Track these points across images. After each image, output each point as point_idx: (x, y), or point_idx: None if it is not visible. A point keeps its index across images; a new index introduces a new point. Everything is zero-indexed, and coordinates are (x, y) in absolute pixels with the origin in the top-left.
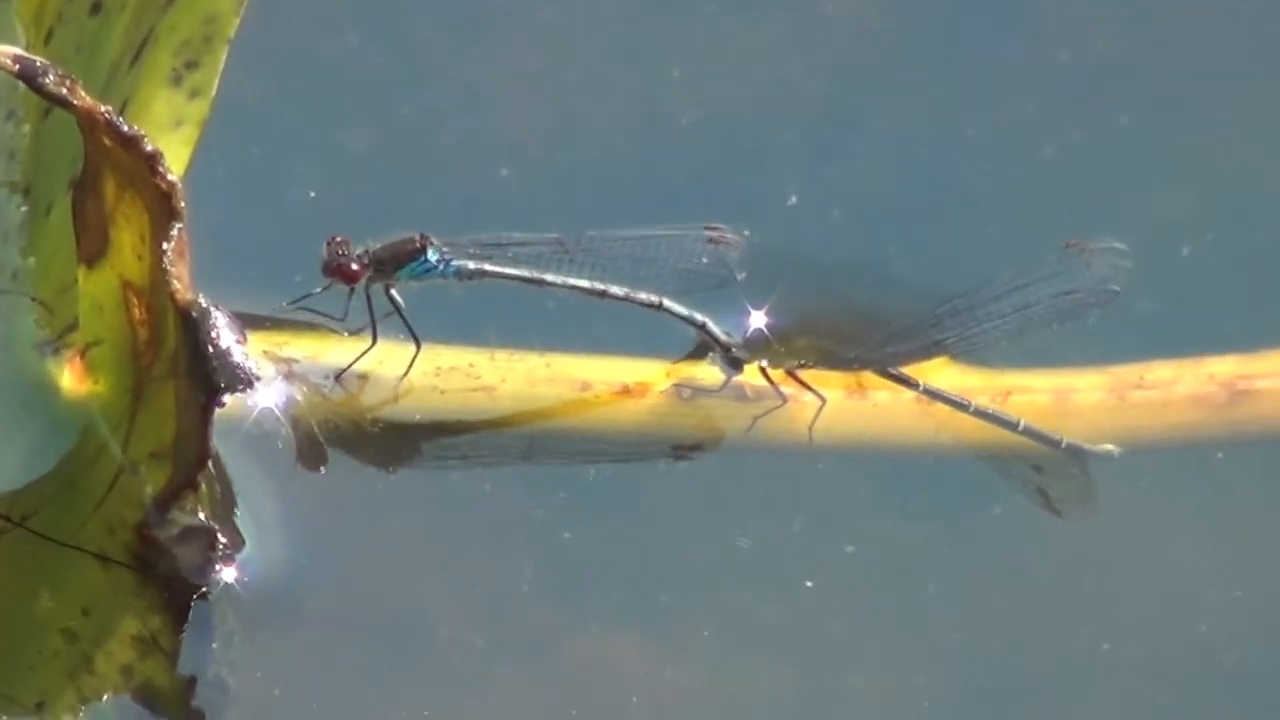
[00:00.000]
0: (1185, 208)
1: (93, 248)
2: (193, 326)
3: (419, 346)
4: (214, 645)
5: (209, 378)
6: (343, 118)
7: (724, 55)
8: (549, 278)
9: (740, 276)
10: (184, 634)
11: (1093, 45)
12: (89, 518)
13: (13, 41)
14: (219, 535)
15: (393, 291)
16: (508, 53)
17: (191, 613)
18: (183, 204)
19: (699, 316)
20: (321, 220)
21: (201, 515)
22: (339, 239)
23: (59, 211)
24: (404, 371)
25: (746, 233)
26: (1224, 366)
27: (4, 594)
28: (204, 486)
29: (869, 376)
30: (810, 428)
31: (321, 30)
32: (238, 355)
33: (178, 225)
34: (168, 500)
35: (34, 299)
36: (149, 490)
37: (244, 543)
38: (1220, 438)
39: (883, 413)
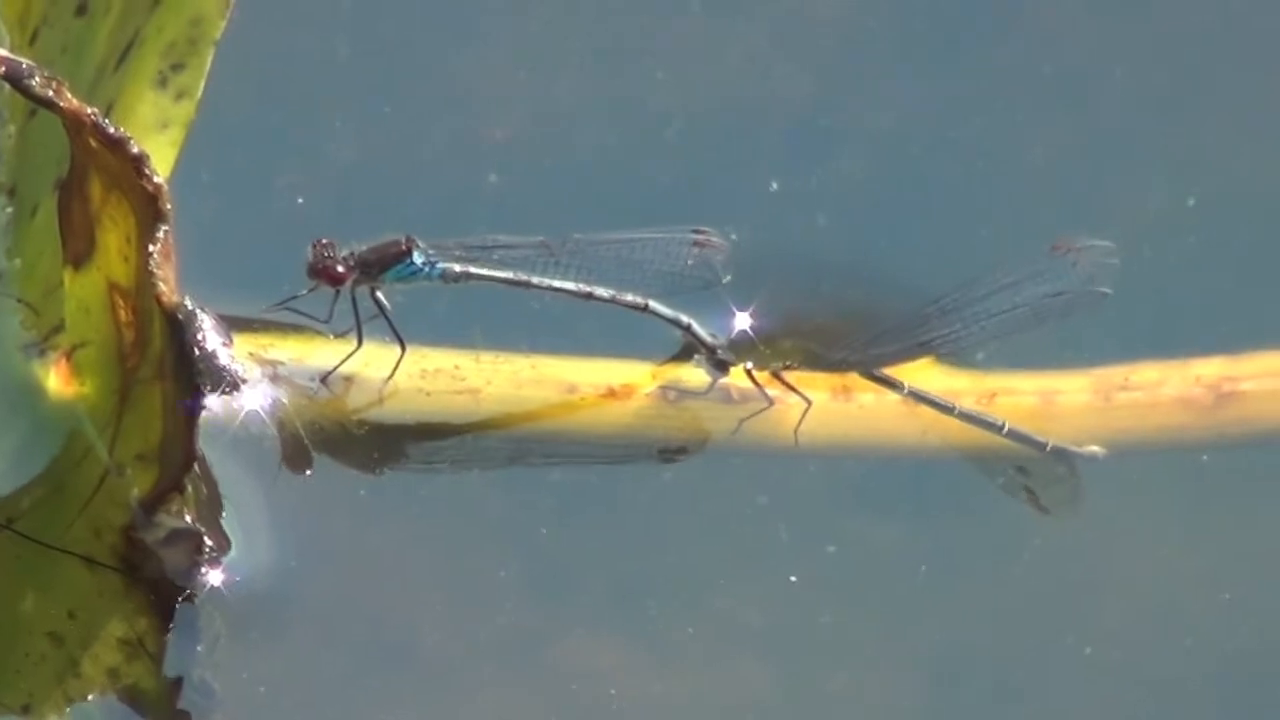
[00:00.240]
0: (1170, 209)
1: (79, 249)
2: (179, 329)
3: (404, 349)
4: (200, 648)
5: (195, 380)
6: (328, 118)
7: (709, 54)
8: (535, 280)
9: (725, 280)
10: (170, 636)
11: (1077, 45)
12: (75, 520)
13: None
14: (205, 538)
15: (378, 294)
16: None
17: (177, 615)
18: (169, 206)
19: (684, 318)
20: (307, 222)
21: (188, 518)
22: (324, 241)
23: (44, 213)
24: (389, 374)
25: (734, 236)
26: (1210, 368)
27: None
28: (190, 489)
29: (855, 379)
30: (795, 430)
31: (306, 32)
32: (224, 357)
33: (164, 227)
34: (154, 503)
35: (20, 300)
36: (135, 493)
37: (230, 545)
38: (1206, 440)
39: (868, 415)
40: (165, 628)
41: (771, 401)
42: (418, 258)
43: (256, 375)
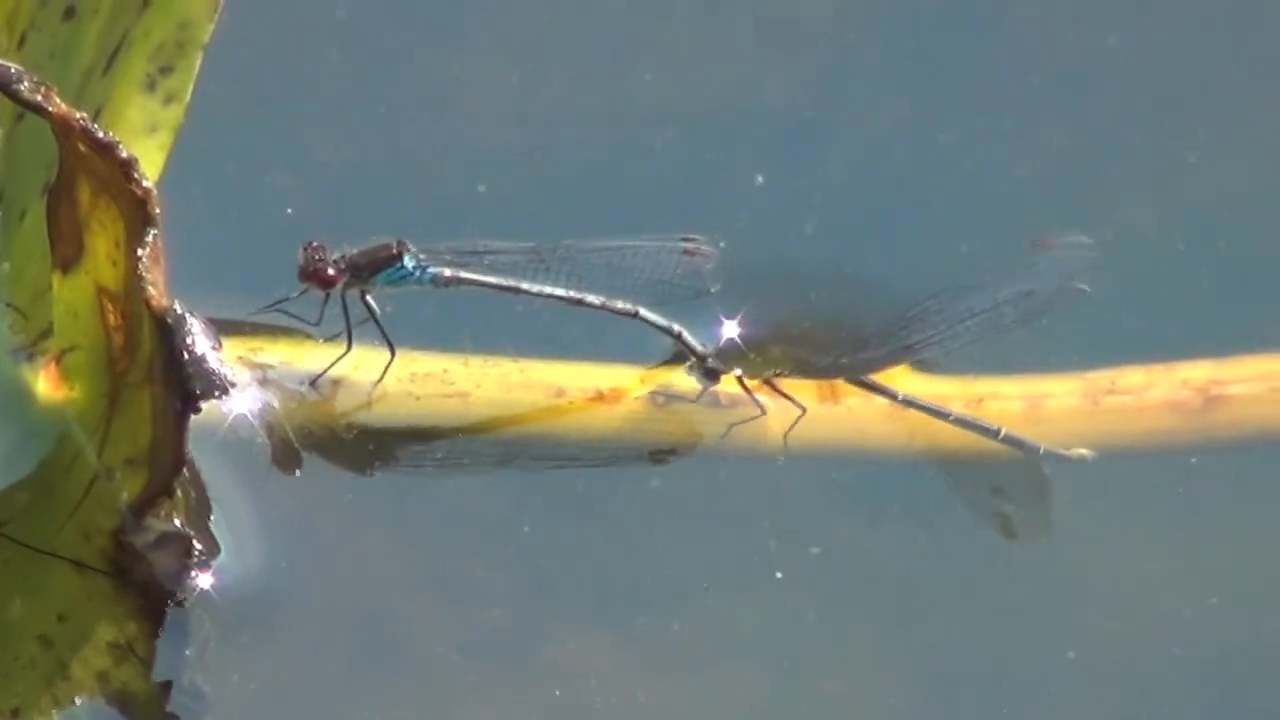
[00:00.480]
0: (1158, 214)
1: (67, 254)
2: (168, 333)
3: (393, 353)
4: (189, 652)
5: (184, 384)
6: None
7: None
8: (525, 285)
9: (714, 289)
10: (159, 640)
11: (1065, 52)
12: (65, 524)
13: None
14: (194, 542)
15: (368, 298)
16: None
17: (167, 619)
18: (158, 210)
19: (675, 326)
20: (297, 223)
21: (177, 522)
22: (315, 244)
23: (33, 217)
24: (378, 378)
25: (722, 244)
26: (1198, 372)
27: None
28: (179, 493)
29: (844, 384)
30: (785, 435)
31: (296, 36)
32: (213, 361)
33: (153, 231)
34: (143, 507)
35: (8, 305)
36: (125, 497)
37: (219, 549)
38: (1194, 443)
39: (856, 419)
40: (155, 631)
41: (764, 410)
42: (408, 261)
43: (246, 379)
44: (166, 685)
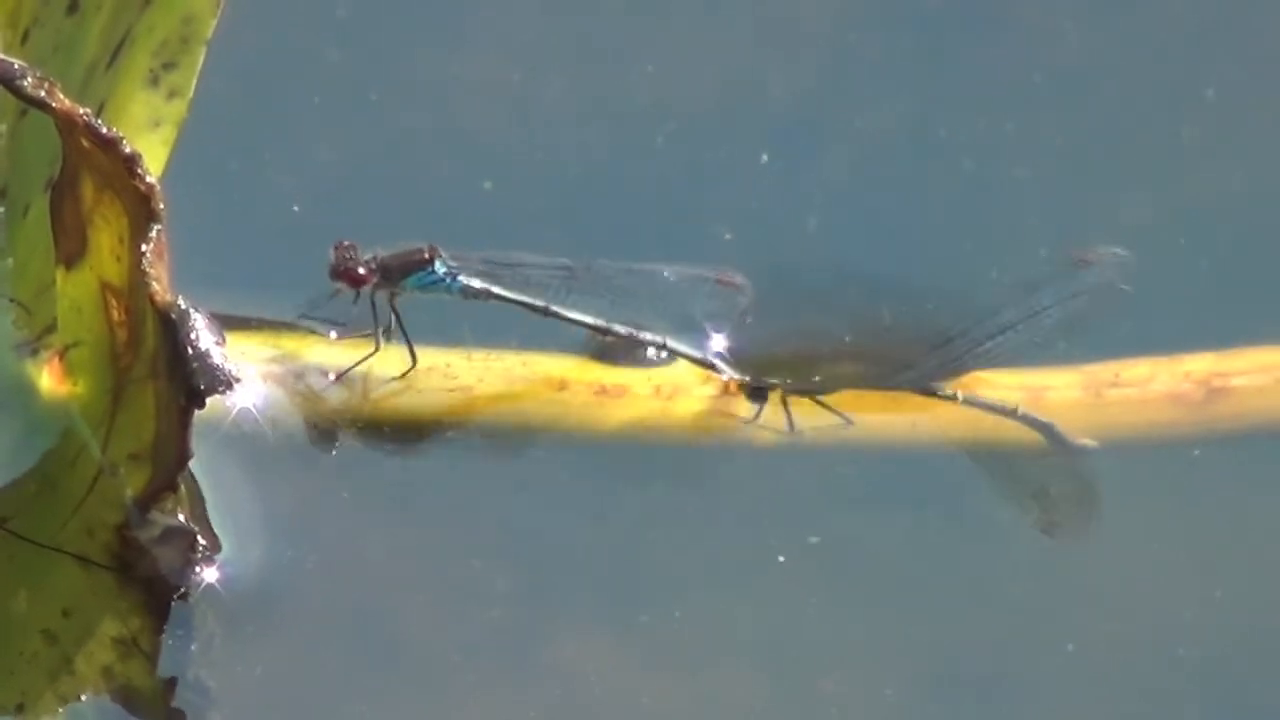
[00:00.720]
0: (1160, 208)
1: (71, 249)
2: (172, 328)
3: (415, 361)
4: (194, 646)
5: (188, 379)
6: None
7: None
8: (554, 308)
9: (747, 320)
10: (164, 636)
11: (1066, 51)
12: (69, 519)
13: None
14: (199, 536)
15: (395, 301)
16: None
17: (171, 614)
18: (161, 206)
19: (708, 356)
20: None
21: (181, 516)
22: (346, 243)
23: (36, 212)
24: (396, 378)
25: (728, 236)
26: (1200, 364)
27: None
28: (183, 487)
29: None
30: (793, 428)
31: (296, 32)
32: (217, 357)
33: (156, 227)
34: (147, 502)
35: (12, 300)
36: (129, 492)
37: (220, 544)
38: (1197, 435)
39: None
40: (159, 626)
41: (794, 428)
42: (439, 268)
43: (250, 374)
44: (171, 681)
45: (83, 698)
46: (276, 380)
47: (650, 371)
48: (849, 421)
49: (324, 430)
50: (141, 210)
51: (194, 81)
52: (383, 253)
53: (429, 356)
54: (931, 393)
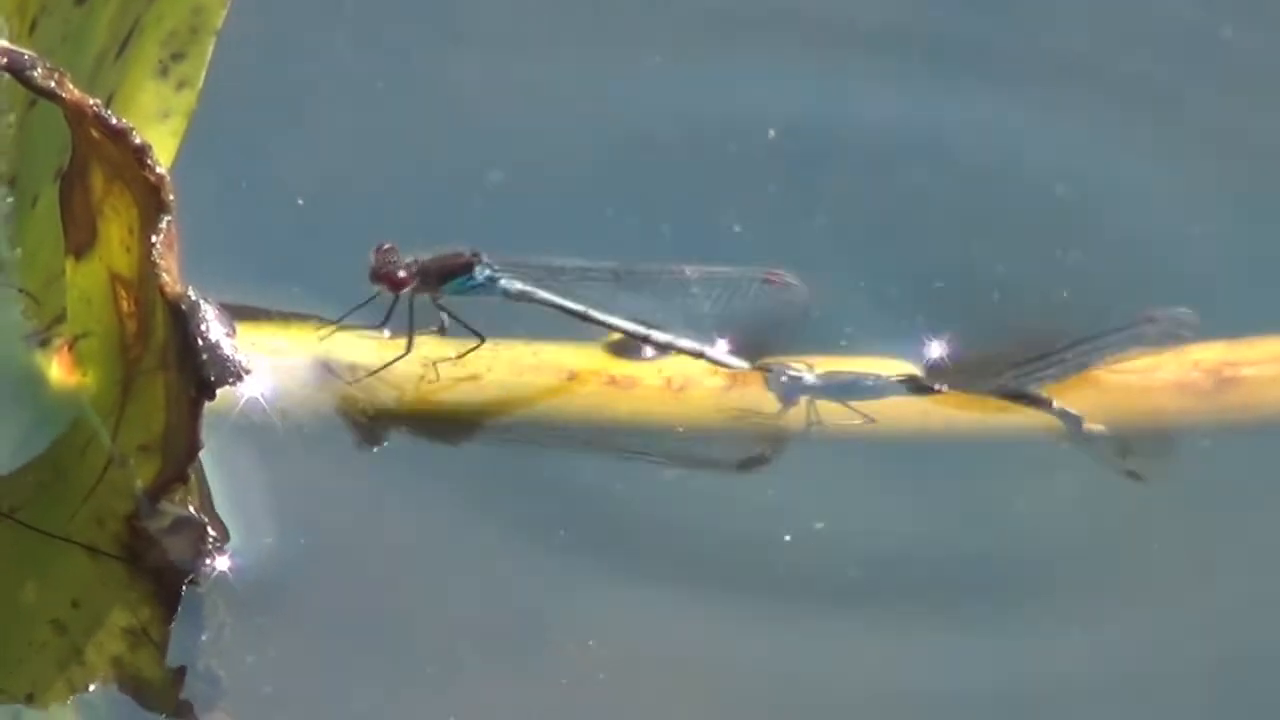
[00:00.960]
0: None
1: (80, 239)
2: (182, 319)
3: (482, 339)
4: (204, 637)
5: (198, 370)
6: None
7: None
8: (595, 314)
9: (804, 318)
10: (174, 625)
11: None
12: (78, 509)
13: None
14: (209, 527)
15: (439, 304)
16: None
17: (182, 604)
18: (171, 196)
19: (748, 364)
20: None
21: (191, 507)
22: (387, 246)
23: (45, 202)
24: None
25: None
26: (1210, 353)
27: None
28: (193, 478)
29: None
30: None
31: (305, 30)
32: (227, 348)
33: (166, 217)
34: (157, 492)
35: (21, 290)
36: (138, 482)
37: (230, 535)
38: (1206, 425)
39: (868, 401)
40: (169, 616)
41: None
42: (480, 273)
43: (259, 365)
44: (181, 670)
45: (92, 688)
46: (288, 372)
47: (660, 363)
48: (871, 420)
49: (332, 419)
50: (151, 201)
51: (203, 72)
52: (424, 256)
53: (439, 347)
54: (1026, 399)
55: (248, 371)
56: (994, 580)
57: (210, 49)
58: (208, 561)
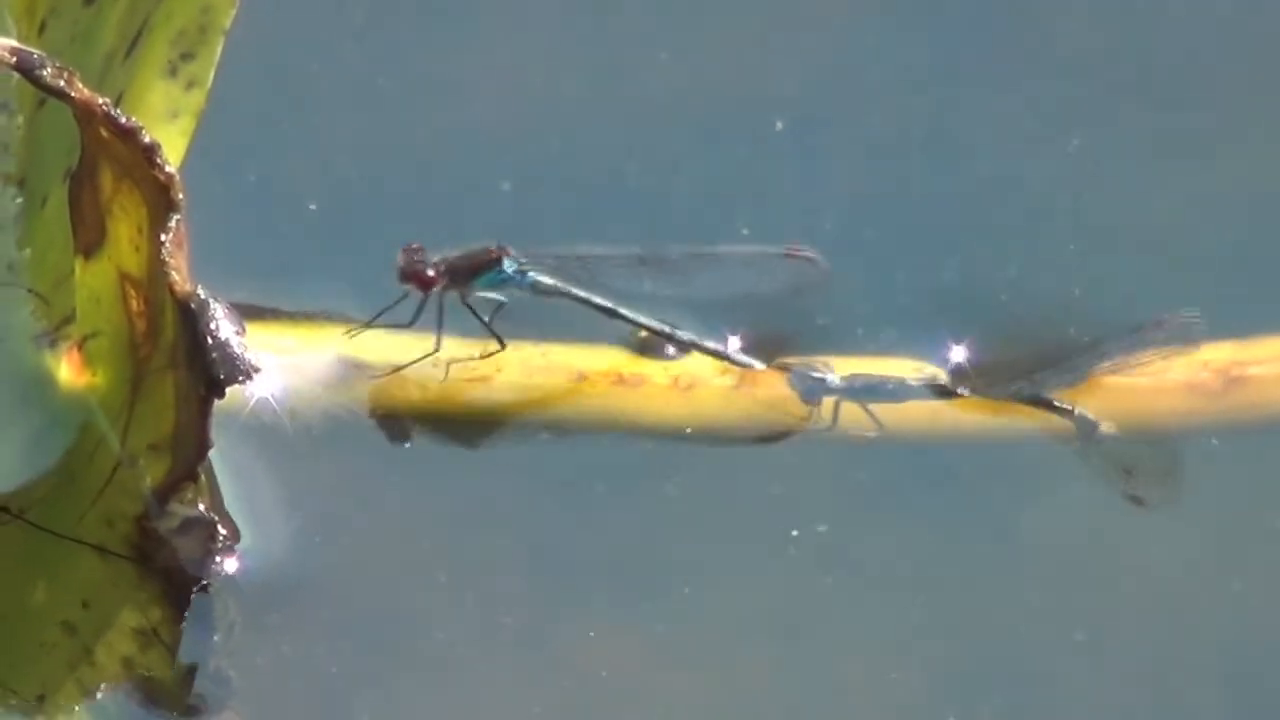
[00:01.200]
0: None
1: (90, 239)
2: (191, 318)
3: (502, 345)
4: (215, 637)
5: (208, 369)
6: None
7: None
8: (623, 311)
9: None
10: (184, 626)
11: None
12: (88, 510)
13: (4, 34)
14: (219, 526)
15: (468, 302)
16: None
17: (192, 604)
18: (181, 195)
19: (764, 363)
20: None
21: (201, 506)
22: (415, 246)
23: (54, 203)
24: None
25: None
26: (1219, 353)
27: (3, 587)
28: (203, 478)
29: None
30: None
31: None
32: (236, 346)
33: (176, 216)
34: (167, 492)
35: (30, 291)
36: (148, 482)
37: (240, 534)
38: (1215, 425)
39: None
40: (179, 617)
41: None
42: (508, 266)
43: (268, 364)
44: (191, 671)
45: (102, 688)
46: (297, 370)
47: (667, 362)
48: (881, 426)
49: (342, 420)
50: (160, 200)
51: (212, 72)
52: (451, 254)
53: (449, 346)
54: (1047, 405)
55: (257, 370)
56: None
57: (219, 48)
58: (218, 561)
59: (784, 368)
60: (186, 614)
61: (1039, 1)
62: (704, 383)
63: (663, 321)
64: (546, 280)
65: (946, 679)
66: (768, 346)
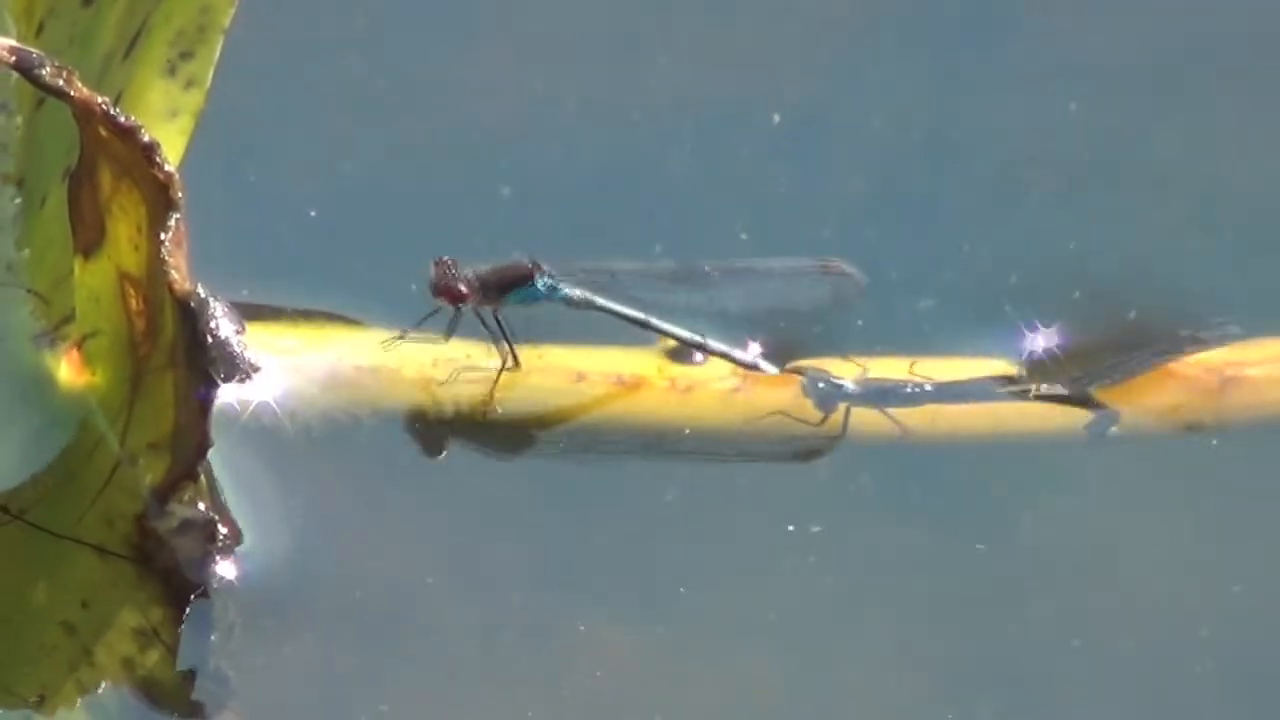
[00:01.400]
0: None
1: (89, 239)
2: (191, 317)
3: (518, 364)
4: (215, 637)
5: (208, 368)
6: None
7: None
8: (654, 322)
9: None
10: (184, 626)
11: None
12: (87, 510)
13: (3, 34)
14: (219, 526)
15: (500, 316)
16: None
17: (192, 605)
18: (180, 194)
19: (774, 369)
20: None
21: (201, 506)
22: (447, 259)
23: (53, 203)
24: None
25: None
26: (1215, 354)
27: (3, 587)
28: (202, 478)
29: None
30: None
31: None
32: (236, 345)
33: (175, 215)
34: (167, 491)
35: (29, 290)
36: (148, 481)
37: (241, 535)
38: (1212, 425)
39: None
40: (180, 617)
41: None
42: (541, 283)
43: (268, 364)
44: (192, 671)
45: (102, 689)
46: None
47: (665, 364)
48: (904, 429)
49: (341, 422)
50: (160, 199)
51: (211, 71)
52: (483, 268)
53: (449, 347)
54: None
55: (256, 369)
56: None
57: (218, 48)
58: (218, 561)
59: (799, 372)
60: (186, 614)
61: None
62: (703, 385)
63: (694, 331)
64: (578, 294)
65: (946, 680)
66: (784, 352)
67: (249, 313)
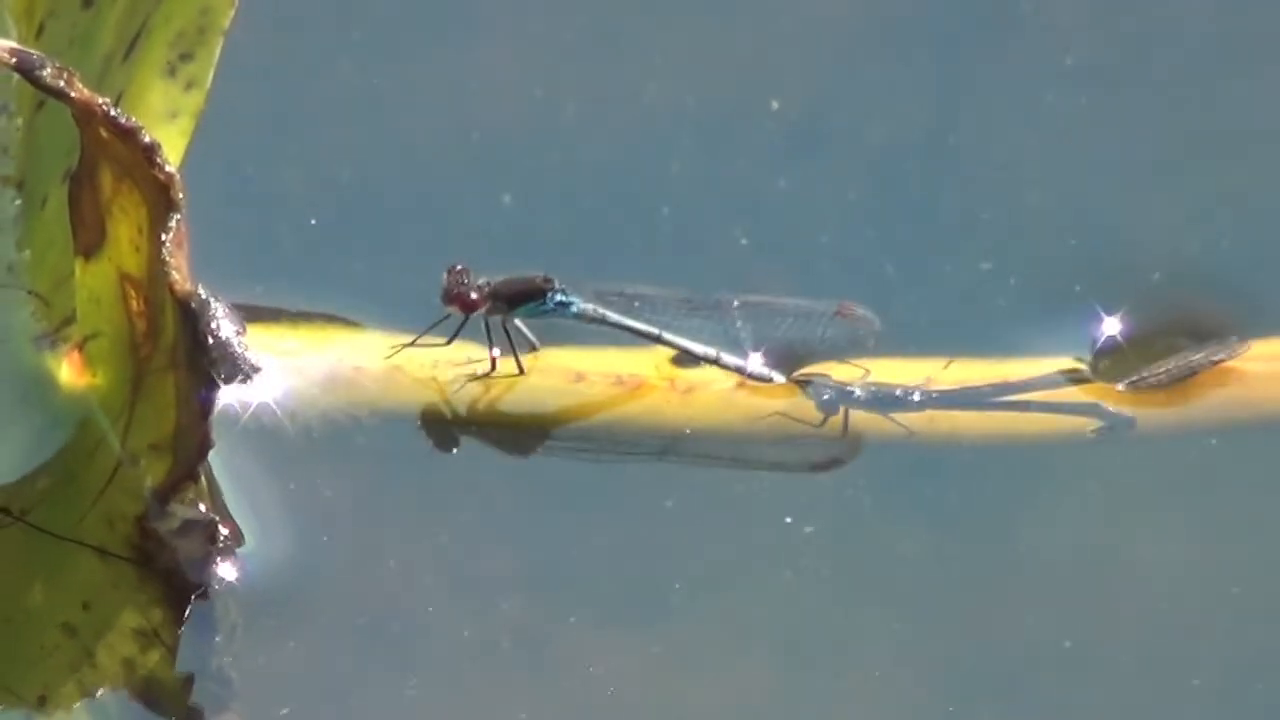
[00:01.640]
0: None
1: (90, 240)
2: (192, 317)
3: (521, 372)
4: (216, 638)
5: (209, 369)
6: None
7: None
8: (668, 336)
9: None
10: (185, 627)
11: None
12: (88, 511)
13: (3, 35)
14: (220, 527)
15: (507, 326)
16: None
17: (193, 606)
18: (181, 195)
19: (781, 377)
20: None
21: (202, 507)
22: (459, 268)
23: (54, 204)
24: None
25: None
26: None
27: (3, 588)
28: (203, 479)
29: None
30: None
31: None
32: (237, 346)
33: (176, 216)
34: (168, 492)
35: (30, 292)
36: (149, 482)
37: (243, 536)
38: (1211, 423)
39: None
40: (180, 618)
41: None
42: (552, 299)
43: (269, 365)
44: (192, 672)
45: (103, 690)
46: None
47: (664, 365)
48: (911, 432)
49: (340, 423)
50: (161, 200)
51: (211, 72)
52: (496, 279)
53: (448, 349)
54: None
55: (257, 370)
56: None
57: (218, 49)
58: (219, 562)
59: (804, 380)
60: (187, 615)
61: None
62: (703, 386)
63: (707, 346)
64: (590, 309)
65: (946, 681)
66: (789, 360)
67: (249, 314)
